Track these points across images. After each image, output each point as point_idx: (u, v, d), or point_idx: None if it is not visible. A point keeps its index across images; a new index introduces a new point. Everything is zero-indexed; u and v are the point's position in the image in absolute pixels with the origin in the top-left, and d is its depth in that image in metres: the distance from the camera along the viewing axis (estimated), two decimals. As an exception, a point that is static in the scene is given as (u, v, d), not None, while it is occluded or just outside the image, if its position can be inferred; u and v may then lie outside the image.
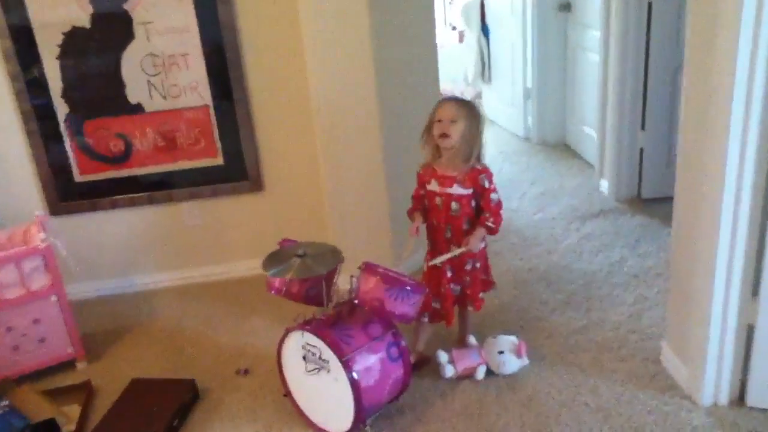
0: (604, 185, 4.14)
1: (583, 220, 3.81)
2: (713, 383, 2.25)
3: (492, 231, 2.40)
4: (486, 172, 2.39)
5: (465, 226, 2.41)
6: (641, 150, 3.88)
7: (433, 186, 2.43)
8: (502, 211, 2.42)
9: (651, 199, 3.93)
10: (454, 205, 2.39)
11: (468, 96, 6.05)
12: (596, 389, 2.42)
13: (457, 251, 2.40)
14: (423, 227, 2.49)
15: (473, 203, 2.41)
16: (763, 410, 2.23)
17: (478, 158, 2.39)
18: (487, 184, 2.38)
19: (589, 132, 4.53)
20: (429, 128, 2.38)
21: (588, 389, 2.43)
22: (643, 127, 3.83)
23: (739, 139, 1.96)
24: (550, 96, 5.09)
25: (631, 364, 2.54)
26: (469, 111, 2.35)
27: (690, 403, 2.30)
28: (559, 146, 5.13)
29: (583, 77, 4.64)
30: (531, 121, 5.29)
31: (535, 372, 2.54)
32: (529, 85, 5.17)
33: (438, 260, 2.42)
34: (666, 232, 3.50)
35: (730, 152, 1.97)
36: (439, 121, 2.33)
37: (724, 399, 2.27)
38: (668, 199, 3.59)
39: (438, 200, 2.42)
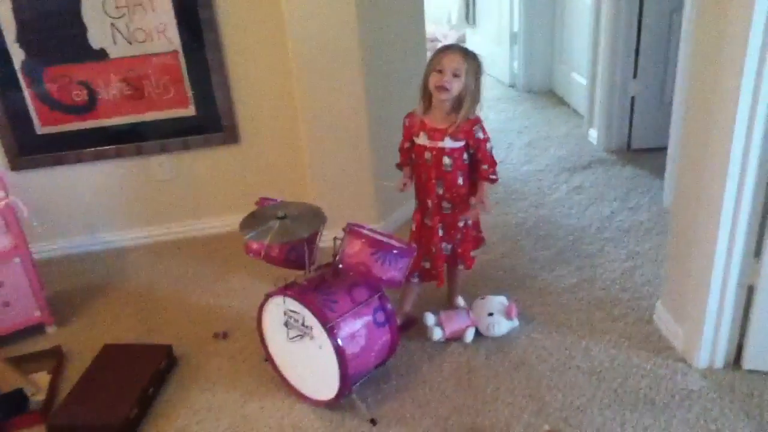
0: (593, 135, 4.01)
1: (572, 171, 3.70)
2: (710, 345, 2.19)
3: (494, 182, 2.28)
4: (479, 122, 2.24)
5: (460, 181, 2.28)
6: (632, 99, 3.74)
7: (421, 140, 2.27)
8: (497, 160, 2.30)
9: (641, 150, 3.83)
10: (446, 159, 2.24)
11: (452, 40, 5.83)
12: (588, 351, 2.35)
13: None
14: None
15: (465, 156, 2.27)
16: (760, 373, 2.17)
17: (473, 110, 2.24)
18: (481, 135, 2.24)
19: (579, 79, 4.37)
20: (426, 77, 2.21)
21: (580, 351, 2.35)
22: (635, 75, 3.68)
23: (751, 91, 1.83)
24: (538, 41, 4.90)
25: (624, 324, 2.47)
26: (474, 65, 2.19)
27: (685, 366, 2.24)
28: (546, 93, 4.98)
29: (573, 21, 4.44)
30: (517, 67, 5.11)
31: (525, 334, 2.46)
32: (516, 28, 4.96)
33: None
34: (657, 185, 3.41)
35: (741, 102, 1.84)
36: (440, 71, 2.16)
37: (720, 361, 2.21)
38: (659, 150, 3.50)
39: (427, 155, 2.26)
